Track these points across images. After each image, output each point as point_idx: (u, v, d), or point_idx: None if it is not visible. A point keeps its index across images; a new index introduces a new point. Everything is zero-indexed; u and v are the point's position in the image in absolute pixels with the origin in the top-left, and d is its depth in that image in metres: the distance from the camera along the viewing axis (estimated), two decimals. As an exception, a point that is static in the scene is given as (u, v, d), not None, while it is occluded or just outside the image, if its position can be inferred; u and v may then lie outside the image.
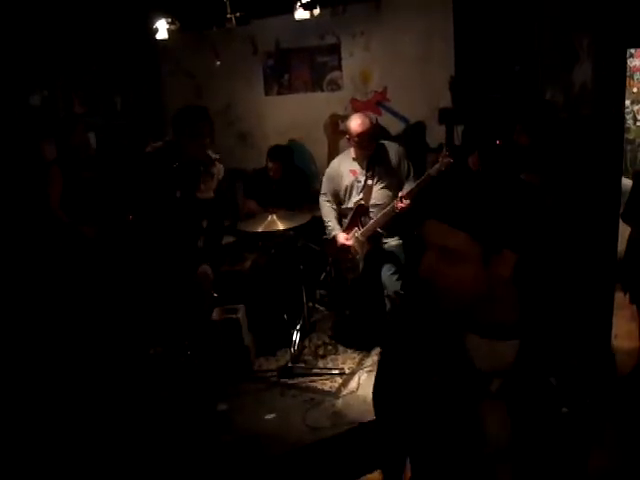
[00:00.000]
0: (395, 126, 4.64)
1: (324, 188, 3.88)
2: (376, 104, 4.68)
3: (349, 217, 3.80)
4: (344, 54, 4.70)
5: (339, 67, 4.76)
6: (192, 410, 3.25)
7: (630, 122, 4.51)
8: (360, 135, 3.57)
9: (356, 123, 3.58)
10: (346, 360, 3.82)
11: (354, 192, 3.76)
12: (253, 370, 3.76)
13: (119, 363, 3.59)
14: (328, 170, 3.90)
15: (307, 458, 2.86)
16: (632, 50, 4.24)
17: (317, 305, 4.43)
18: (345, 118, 4.05)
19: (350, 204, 3.78)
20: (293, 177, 4.42)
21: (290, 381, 3.59)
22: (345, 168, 3.77)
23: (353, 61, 4.69)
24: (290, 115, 4.98)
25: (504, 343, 1.08)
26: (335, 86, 4.82)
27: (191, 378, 3.54)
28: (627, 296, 3.26)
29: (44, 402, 3.18)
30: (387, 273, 3.71)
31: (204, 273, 3.88)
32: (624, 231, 3.25)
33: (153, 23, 4.23)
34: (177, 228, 3.66)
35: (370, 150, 3.64)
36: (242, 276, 4.12)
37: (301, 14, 4.04)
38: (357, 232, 3.75)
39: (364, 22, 4.52)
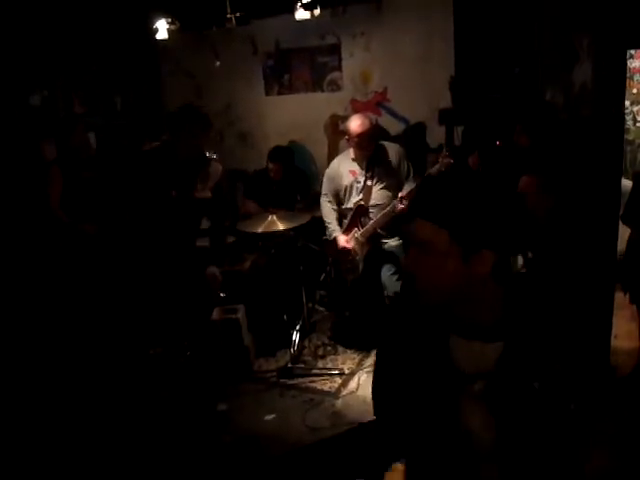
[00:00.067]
0: (395, 126, 4.64)
1: (325, 188, 3.88)
2: (376, 104, 4.68)
3: (349, 218, 3.80)
4: (344, 54, 4.71)
5: (339, 67, 4.76)
6: (192, 410, 3.25)
7: (630, 123, 4.51)
8: (360, 136, 3.57)
9: (356, 124, 3.58)
10: (346, 360, 3.81)
11: (354, 192, 3.76)
12: (253, 370, 3.76)
13: (119, 363, 3.59)
14: (328, 171, 3.90)
15: (307, 458, 2.86)
16: (632, 51, 4.24)
17: (317, 306, 4.43)
18: (345, 119, 4.05)
19: (350, 204, 3.78)
20: (293, 178, 4.42)
21: (290, 381, 3.59)
22: (345, 169, 3.77)
23: (353, 61, 4.69)
24: (290, 115, 4.98)
25: (487, 345, 1.08)
26: (335, 86, 4.82)
27: (191, 378, 3.54)
28: (627, 296, 3.27)
29: (44, 402, 3.18)
30: (387, 274, 3.71)
31: (212, 274, 3.89)
32: (624, 232, 3.25)
33: (153, 23, 4.24)
34: (174, 227, 3.66)
35: (369, 151, 3.64)
36: (242, 276, 4.12)
37: (301, 14, 4.04)
38: (357, 233, 3.75)
39: (364, 22, 4.52)
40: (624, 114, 3.43)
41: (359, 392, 3.41)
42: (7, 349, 3.38)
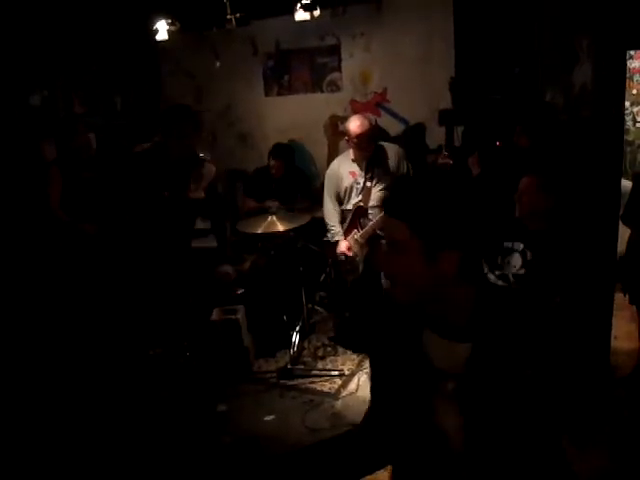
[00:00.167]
0: (395, 127, 4.64)
1: (327, 190, 3.87)
2: (376, 105, 4.68)
3: (348, 219, 3.79)
4: (344, 55, 4.71)
5: (339, 68, 4.76)
6: (191, 411, 3.25)
7: (630, 124, 4.51)
8: (359, 136, 3.57)
9: (355, 124, 3.58)
10: (345, 361, 3.81)
11: (353, 194, 3.76)
12: (252, 371, 3.76)
13: (119, 364, 3.59)
14: (328, 172, 3.90)
15: (306, 459, 2.85)
16: (632, 52, 4.25)
17: (317, 306, 4.43)
18: (345, 119, 4.05)
19: (349, 206, 3.78)
20: (294, 176, 4.42)
21: (289, 382, 3.59)
22: (344, 170, 3.77)
23: (353, 62, 4.69)
24: (290, 116, 4.98)
25: (457, 345, 1.08)
26: (335, 87, 4.82)
27: (190, 379, 3.53)
28: (627, 297, 3.27)
29: (44, 402, 3.18)
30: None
31: (225, 272, 3.89)
32: (624, 232, 3.25)
33: (153, 24, 4.24)
34: (168, 227, 3.67)
35: (369, 152, 3.64)
36: (242, 277, 4.12)
37: (301, 15, 4.04)
38: (356, 234, 3.75)
39: (364, 23, 4.52)
40: (624, 115, 3.44)
41: (359, 393, 3.41)
42: (7, 349, 3.37)
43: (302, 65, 4.88)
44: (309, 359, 3.86)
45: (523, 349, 1.04)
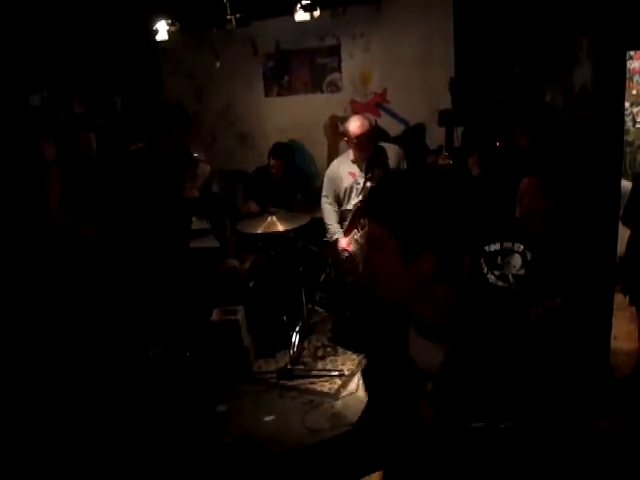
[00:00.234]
0: (395, 128, 4.64)
1: (325, 190, 3.88)
2: (376, 106, 4.68)
3: (348, 219, 3.79)
4: (344, 55, 4.71)
5: (339, 69, 4.76)
6: (191, 411, 3.24)
7: (629, 124, 4.51)
8: (359, 137, 3.57)
9: (355, 125, 3.58)
10: (345, 362, 3.81)
11: (353, 194, 3.76)
12: (252, 372, 3.75)
13: (118, 364, 3.59)
14: (328, 172, 3.90)
15: (306, 460, 2.86)
16: (632, 52, 4.25)
17: (316, 307, 4.42)
18: (345, 120, 4.05)
19: (349, 206, 3.78)
20: (294, 177, 4.43)
21: (289, 383, 3.58)
22: (344, 170, 3.77)
23: (353, 63, 4.69)
24: (290, 116, 4.98)
25: (436, 345, 1.08)
26: (335, 87, 4.82)
27: (190, 379, 3.53)
28: (627, 298, 3.27)
29: (44, 403, 3.18)
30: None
31: (232, 266, 3.91)
32: (624, 233, 3.25)
33: (153, 24, 4.24)
34: (163, 227, 3.69)
35: (369, 152, 3.64)
36: (242, 277, 4.11)
37: (301, 16, 4.04)
38: (356, 234, 3.75)
39: (364, 24, 4.52)
40: (624, 115, 3.44)
41: (359, 393, 3.41)
42: (7, 350, 3.37)
43: (302, 65, 4.88)
44: (309, 359, 3.86)
45: (498, 355, 1.03)
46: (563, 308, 2.31)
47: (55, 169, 3.81)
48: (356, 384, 3.51)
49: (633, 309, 3.31)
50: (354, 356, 3.87)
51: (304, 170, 4.75)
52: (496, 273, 2.48)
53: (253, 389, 3.55)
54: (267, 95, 5.08)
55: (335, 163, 3.89)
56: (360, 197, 3.71)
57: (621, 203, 3.21)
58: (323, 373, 3.67)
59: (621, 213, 3.19)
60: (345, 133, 3.68)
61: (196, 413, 3.23)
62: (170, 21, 4.25)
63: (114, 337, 3.71)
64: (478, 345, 1.04)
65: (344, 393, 3.45)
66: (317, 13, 4.06)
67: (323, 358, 3.87)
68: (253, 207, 4.38)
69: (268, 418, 3.23)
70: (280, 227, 3.74)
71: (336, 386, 3.52)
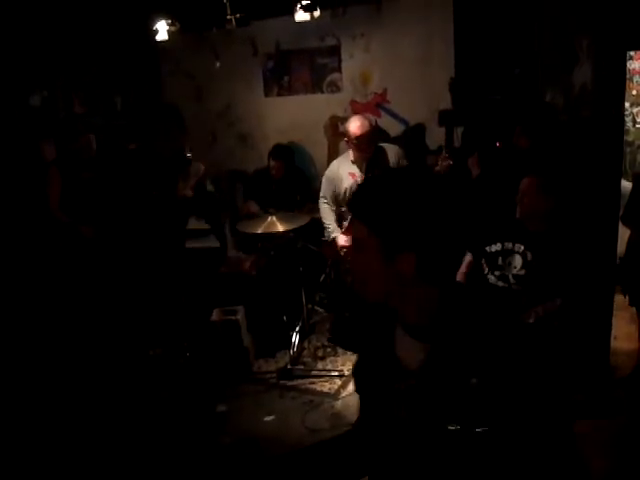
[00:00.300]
0: (395, 128, 4.64)
1: (323, 191, 3.88)
2: (376, 106, 4.68)
3: (348, 220, 3.79)
4: (344, 56, 4.71)
5: (339, 69, 4.76)
6: (191, 411, 3.24)
7: (629, 124, 4.51)
8: (359, 137, 3.57)
9: (355, 125, 3.58)
10: (345, 362, 3.81)
11: (353, 194, 3.75)
12: (252, 372, 3.76)
13: (118, 364, 3.59)
14: (327, 173, 3.90)
15: (306, 460, 2.85)
16: (632, 52, 4.25)
17: (316, 307, 4.42)
18: (345, 120, 4.05)
19: (349, 206, 3.78)
20: (294, 178, 4.43)
21: (289, 383, 3.59)
22: (344, 171, 3.77)
23: (353, 63, 4.69)
24: (290, 116, 4.98)
25: (417, 343, 1.09)
26: (335, 88, 4.82)
27: (190, 379, 3.53)
28: (627, 298, 3.27)
29: (44, 403, 3.18)
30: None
31: (237, 259, 3.93)
32: (624, 233, 3.25)
33: (153, 24, 4.24)
34: (159, 226, 3.71)
35: (369, 153, 3.64)
36: (241, 278, 4.11)
37: (301, 16, 4.04)
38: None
39: (364, 24, 4.52)
40: (624, 115, 3.44)
41: (359, 393, 3.40)
42: (6, 350, 3.37)
43: (302, 66, 4.88)
44: (309, 359, 3.86)
45: (475, 357, 1.02)
46: (563, 308, 2.31)
47: (55, 169, 3.81)
48: (356, 384, 3.51)
49: (633, 309, 3.31)
50: (354, 356, 3.86)
51: (304, 171, 4.74)
52: (497, 273, 2.48)
53: (253, 389, 3.55)
54: (267, 95, 5.08)
55: (335, 163, 3.89)
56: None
57: (621, 203, 3.21)
58: (323, 373, 3.67)
59: (621, 213, 3.20)
60: (345, 133, 3.68)
61: (196, 413, 3.24)
62: (170, 21, 4.25)
63: (114, 337, 3.71)
64: (457, 346, 1.04)
65: (344, 393, 3.44)
66: (317, 13, 4.06)
67: (323, 358, 3.87)
68: (253, 207, 4.38)
69: (268, 418, 3.23)
70: (280, 227, 3.74)
71: (336, 386, 3.53)
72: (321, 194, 3.89)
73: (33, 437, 2.94)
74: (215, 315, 3.76)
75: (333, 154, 4.63)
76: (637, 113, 4.53)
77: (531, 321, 2.30)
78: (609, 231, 3.13)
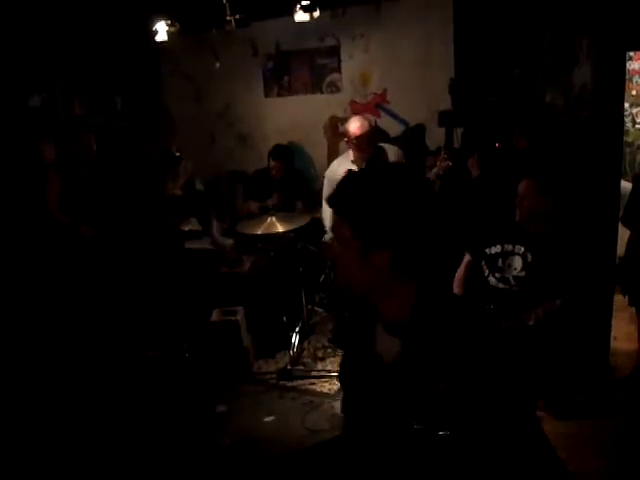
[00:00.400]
0: (394, 128, 4.64)
1: (325, 192, 3.87)
2: (375, 106, 4.69)
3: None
4: (344, 56, 4.71)
5: (339, 69, 4.76)
6: (191, 412, 3.24)
7: (629, 125, 4.51)
8: (359, 138, 3.57)
9: (355, 126, 3.58)
10: (345, 362, 3.81)
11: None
12: (252, 372, 3.75)
13: (118, 365, 3.59)
14: (327, 173, 3.90)
15: (306, 460, 2.85)
16: (631, 53, 4.25)
17: (316, 307, 4.42)
18: (344, 120, 4.05)
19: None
20: (293, 178, 4.43)
21: (289, 383, 3.58)
22: (344, 171, 3.76)
23: (353, 63, 4.69)
24: (290, 117, 4.98)
25: (392, 339, 1.10)
26: (335, 88, 4.83)
27: (190, 380, 3.53)
28: (626, 298, 3.27)
29: (43, 404, 3.18)
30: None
31: (230, 246, 3.96)
32: (623, 234, 3.25)
33: (153, 25, 4.24)
34: (150, 225, 3.73)
35: (369, 153, 3.64)
36: (241, 278, 4.11)
37: (301, 16, 4.05)
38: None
39: (364, 24, 4.53)
40: (623, 116, 3.44)
41: (359, 394, 3.40)
42: (5, 351, 3.37)
43: (302, 66, 4.89)
44: (309, 360, 3.85)
45: (445, 356, 1.02)
46: (563, 309, 2.31)
47: (54, 170, 3.81)
48: (356, 385, 3.51)
49: (633, 310, 3.31)
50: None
51: (303, 172, 4.74)
52: (497, 275, 2.48)
53: (253, 390, 3.55)
54: (267, 96, 5.08)
55: (335, 164, 3.89)
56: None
57: (621, 204, 3.21)
58: (323, 374, 3.67)
59: (621, 214, 3.20)
60: (345, 133, 3.68)
61: (196, 414, 3.23)
62: (170, 22, 4.25)
63: (113, 338, 3.71)
64: (428, 344, 1.04)
65: (344, 394, 3.44)
66: (317, 14, 4.07)
67: (323, 359, 3.87)
68: (253, 207, 4.38)
69: (268, 419, 3.23)
70: (280, 228, 3.74)
71: (336, 387, 3.52)
72: (324, 195, 3.88)
73: (33, 438, 2.94)
74: (215, 316, 3.75)
75: (333, 154, 4.64)
76: (637, 114, 4.53)
77: (531, 322, 2.30)
78: (609, 232, 3.13)
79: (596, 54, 3.00)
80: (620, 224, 3.19)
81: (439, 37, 4.19)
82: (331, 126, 4.89)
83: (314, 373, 3.68)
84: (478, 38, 3.72)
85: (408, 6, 4.34)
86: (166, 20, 4.23)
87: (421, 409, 1.03)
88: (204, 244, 4.17)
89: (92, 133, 3.94)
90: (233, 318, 3.71)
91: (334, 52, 4.74)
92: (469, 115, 3.79)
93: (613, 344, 3.37)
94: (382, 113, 4.68)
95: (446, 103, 3.99)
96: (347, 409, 1.26)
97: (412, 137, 4.55)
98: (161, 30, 4.24)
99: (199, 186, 4.76)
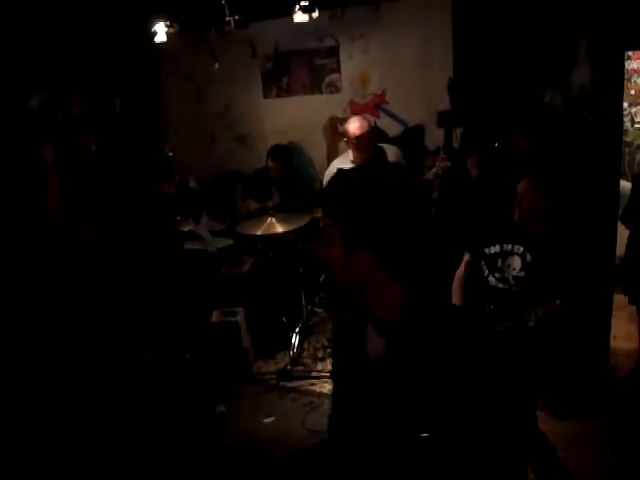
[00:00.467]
0: (394, 129, 4.65)
1: None
2: (375, 107, 4.69)
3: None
4: (343, 57, 4.71)
5: (338, 70, 4.76)
6: (191, 413, 3.24)
7: (628, 124, 4.52)
8: (358, 138, 3.57)
9: (355, 126, 3.58)
10: (345, 363, 3.81)
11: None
12: (252, 373, 3.75)
13: (118, 366, 3.58)
14: (327, 173, 3.89)
15: (306, 461, 2.85)
16: (630, 53, 4.26)
17: (316, 308, 4.42)
18: (344, 121, 4.05)
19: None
20: (292, 178, 4.43)
21: (289, 384, 3.58)
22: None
23: (352, 64, 4.69)
24: (289, 117, 4.98)
25: (379, 338, 1.10)
26: (334, 89, 4.83)
27: (190, 381, 3.53)
28: (626, 297, 3.27)
29: (43, 405, 3.17)
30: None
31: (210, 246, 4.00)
32: (622, 233, 3.26)
33: (152, 26, 4.24)
34: (147, 224, 3.74)
35: (368, 153, 3.64)
36: (241, 279, 4.11)
37: (300, 17, 4.05)
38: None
39: (363, 25, 4.53)
40: (622, 116, 3.44)
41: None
42: (6, 352, 3.37)
43: (301, 67, 4.89)
44: (309, 360, 3.85)
45: (429, 358, 1.01)
46: (563, 309, 2.31)
47: (54, 171, 3.81)
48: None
49: (632, 309, 3.32)
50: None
51: (303, 172, 4.74)
52: (496, 275, 2.48)
53: (253, 390, 3.55)
54: (266, 96, 5.08)
55: (335, 163, 3.89)
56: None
57: (620, 203, 3.21)
58: (323, 374, 3.66)
59: (620, 213, 3.20)
60: (345, 134, 3.68)
61: (196, 414, 3.23)
62: (169, 23, 4.25)
63: (113, 339, 3.71)
64: (413, 344, 1.03)
65: (344, 394, 3.44)
66: (316, 14, 4.07)
67: (323, 359, 3.86)
68: (253, 206, 4.37)
69: (268, 419, 3.23)
70: (279, 228, 3.74)
71: (336, 387, 3.52)
72: None
73: (33, 439, 2.94)
74: (215, 316, 3.75)
75: (332, 155, 4.64)
76: (636, 113, 4.54)
77: (531, 323, 2.30)
78: (608, 231, 3.13)
79: (595, 54, 3.00)
80: (619, 223, 3.19)
81: (438, 37, 4.19)
82: (330, 126, 4.89)
83: (314, 374, 3.68)
84: (477, 38, 3.73)
85: (407, 7, 4.35)
86: (165, 21, 4.24)
87: (403, 409, 1.02)
88: (203, 245, 4.17)
89: (91, 134, 3.94)
90: (233, 319, 3.71)
91: (333, 53, 4.74)
92: (468, 115, 3.79)
93: (613, 343, 3.38)
94: (381, 113, 4.68)
95: (445, 103, 4.00)
96: (334, 406, 1.26)
97: (411, 137, 4.56)
98: (160, 31, 4.25)
99: (193, 184, 4.77)
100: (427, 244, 1.06)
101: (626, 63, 3.83)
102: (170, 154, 4.04)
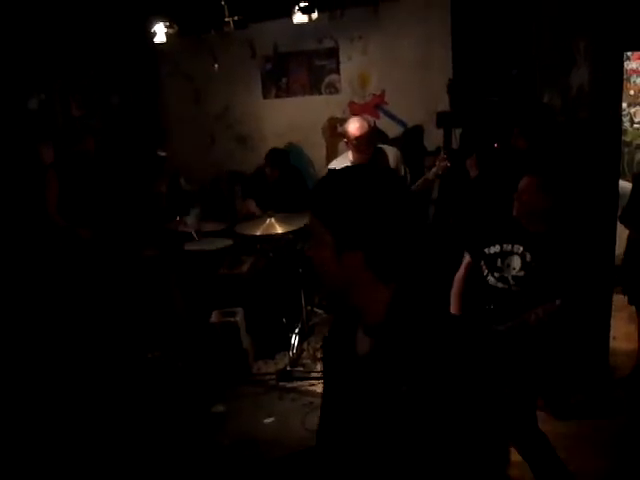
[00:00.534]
0: (393, 129, 4.65)
1: None
2: (374, 107, 4.69)
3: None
4: (342, 58, 4.72)
5: (337, 70, 4.77)
6: (190, 413, 3.24)
7: (627, 124, 4.53)
8: (358, 138, 3.57)
9: (354, 126, 3.58)
10: (345, 363, 3.80)
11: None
12: (252, 373, 3.75)
13: (117, 367, 3.58)
14: (327, 173, 3.90)
15: (306, 462, 2.85)
16: (629, 53, 4.27)
17: (316, 308, 4.42)
18: (343, 121, 4.05)
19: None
20: (290, 179, 4.42)
21: (289, 384, 3.58)
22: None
23: (351, 64, 4.70)
24: (288, 118, 4.98)
25: (366, 338, 1.10)
26: (333, 89, 4.83)
27: (189, 381, 3.53)
28: (625, 298, 3.27)
29: (42, 405, 3.17)
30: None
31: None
32: (622, 233, 3.26)
33: (151, 26, 4.24)
34: (146, 224, 3.76)
35: (368, 154, 3.64)
36: (240, 279, 4.11)
37: (299, 18, 4.05)
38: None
39: (362, 26, 4.53)
40: (621, 116, 3.45)
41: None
42: (6, 352, 3.37)
43: (300, 67, 4.89)
44: (308, 361, 3.85)
45: (412, 362, 1.01)
46: (563, 309, 2.31)
47: (53, 172, 3.81)
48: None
49: (632, 309, 3.32)
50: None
51: (302, 172, 4.74)
52: (496, 275, 2.48)
53: (252, 391, 3.55)
54: (265, 97, 5.09)
55: (334, 164, 3.88)
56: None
57: (619, 203, 3.22)
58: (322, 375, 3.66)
59: (619, 213, 3.20)
60: (344, 134, 3.68)
61: (195, 415, 3.23)
62: (168, 23, 4.26)
63: (113, 340, 3.71)
64: (396, 348, 1.03)
65: (344, 395, 3.44)
66: (315, 15, 4.07)
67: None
68: (252, 206, 4.38)
69: (268, 420, 3.23)
70: (279, 229, 3.74)
71: (336, 388, 3.52)
72: None
73: (32, 439, 2.94)
74: (214, 317, 3.75)
75: (331, 155, 4.64)
76: (635, 113, 4.55)
77: (532, 323, 2.30)
78: (607, 231, 3.14)
79: (594, 55, 3.01)
80: (619, 223, 3.20)
81: (437, 38, 4.20)
82: (330, 127, 4.90)
83: (314, 374, 3.68)
84: (476, 39, 3.73)
85: (406, 8, 4.35)
86: (165, 21, 4.24)
87: (383, 410, 1.02)
88: (203, 245, 4.17)
89: (91, 135, 3.94)
90: (232, 319, 3.71)
91: (332, 53, 4.74)
92: (467, 116, 3.79)
93: (612, 344, 3.38)
94: (381, 114, 4.68)
95: (444, 104, 4.00)
96: (323, 405, 1.27)
97: (411, 138, 4.56)
98: (160, 31, 4.25)
99: (187, 187, 4.78)
100: (417, 247, 1.06)
101: (625, 63, 3.84)
102: (163, 154, 4.05)
